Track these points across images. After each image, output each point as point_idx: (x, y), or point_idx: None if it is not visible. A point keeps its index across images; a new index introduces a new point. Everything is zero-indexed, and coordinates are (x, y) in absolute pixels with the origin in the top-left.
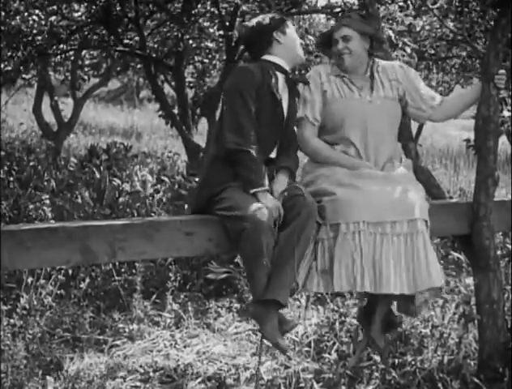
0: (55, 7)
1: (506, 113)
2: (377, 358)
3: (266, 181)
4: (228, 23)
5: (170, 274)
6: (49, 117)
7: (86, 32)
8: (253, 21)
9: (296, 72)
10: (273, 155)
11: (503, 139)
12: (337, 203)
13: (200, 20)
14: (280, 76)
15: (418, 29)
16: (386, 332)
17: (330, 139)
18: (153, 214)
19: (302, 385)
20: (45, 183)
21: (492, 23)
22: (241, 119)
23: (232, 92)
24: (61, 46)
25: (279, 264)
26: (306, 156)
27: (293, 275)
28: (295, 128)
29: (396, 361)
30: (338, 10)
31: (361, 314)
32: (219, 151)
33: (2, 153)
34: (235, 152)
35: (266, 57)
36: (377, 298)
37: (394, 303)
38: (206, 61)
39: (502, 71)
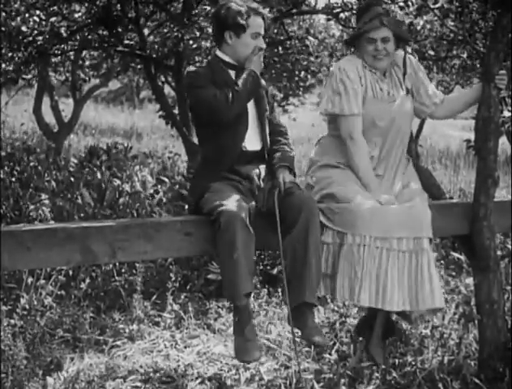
0: (55, 8)
1: (507, 114)
2: None
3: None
4: None
5: (170, 274)
6: (49, 117)
7: (86, 33)
8: (216, 10)
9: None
10: (256, 146)
11: (503, 140)
12: (347, 212)
13: (200, 20)
14: (231, 72)
15: (418, 29)
16: (385, 339)
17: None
18: (153, 214)
19: (302, 385)
20: (46, 183)
21: (492, 23)
22: (212, 98)
23: (188, 89)
24: (62, 47)
25: (296, 268)
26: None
27: (318, 271)
28: (279, 119)
29: (396, 361)
30: (338, 10)
31: (361, 326)
32: (202, 155)
33: (3, 153)
34: (227, 117)
35: (217, 52)
36: (376, 311)
37: None
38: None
39: (503, 72)
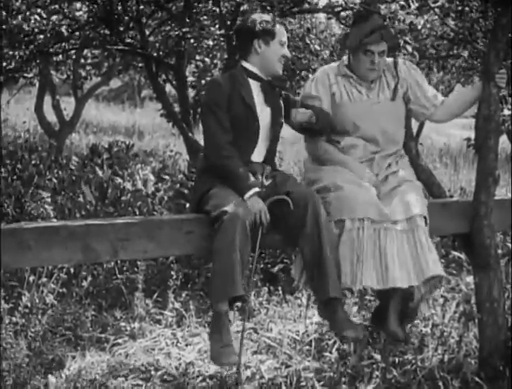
0: (57, 6)
1: (507, 112)
2: (378, 357)
3: (254, 180)
4: (229, 22)
5: (172, 272)
6: (51, 116)
7: (87, 31)
8: (241, 21)
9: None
10: (259, 158)
11: (503, 138)
12: (342, 199)
13: (201, 19)
14: (254, 83)
15: (419, 28)
16: (403, 324)
17: (339, 140)
18: (155, 212)
19: (303, 384)
20: (47, 182)
21: (492, 22)
22: (215, 136)
23: (204, 109)
24: (63, 45)
25: (315, 265)
26: (313, 156)
27: (337, 264)
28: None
29: (397, 359)
30: (339, 9)
31: (375, 316)
32: (206, 161)
33: (4, 152)
34: (216, 167)
35: (243, 63)
36: (387, 296)
37: None
38: (207, 60)
39: (503, 71)
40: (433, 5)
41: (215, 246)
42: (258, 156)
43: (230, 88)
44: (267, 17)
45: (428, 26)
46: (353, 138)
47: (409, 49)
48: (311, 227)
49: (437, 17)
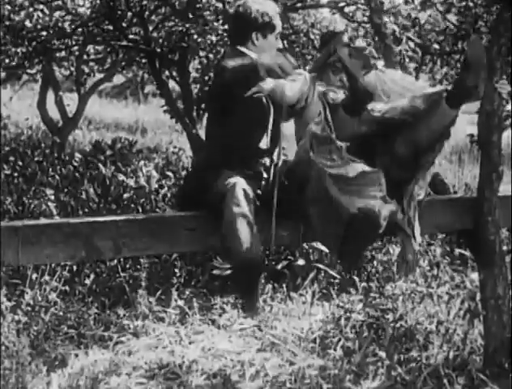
0: (59, 2)
1: (509, 107)
2: (383, 354)
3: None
4: None
5: (175, 270)
6: (53, 112)
7: (90, 27)
8: (241, 7)
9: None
10: (265, 145)
11: (509, 133)
12: None
13: (205, 15)
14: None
15: (423, 21)
16: None
17: None
18: (158, 209)
19: (307, 381)
20: (50, 179)
21: (496, 17)
22: (208, 139)
23: (206, 101)
24: (66, 41)
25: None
26: None
27: None
28: None
29: (401, 357)
30: (343, 4)
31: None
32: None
33: (7, 148)
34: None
35: (243, 48)
36: None
37: None
38: (210, 55)
39: (504, 81)
40: (435, 0)
41: (224, 219)
42: (264, 143)
43: (234, 74)
44: (268, 7)
45: (431, 21)
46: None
47: (412, 44)
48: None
49: (438, 12)
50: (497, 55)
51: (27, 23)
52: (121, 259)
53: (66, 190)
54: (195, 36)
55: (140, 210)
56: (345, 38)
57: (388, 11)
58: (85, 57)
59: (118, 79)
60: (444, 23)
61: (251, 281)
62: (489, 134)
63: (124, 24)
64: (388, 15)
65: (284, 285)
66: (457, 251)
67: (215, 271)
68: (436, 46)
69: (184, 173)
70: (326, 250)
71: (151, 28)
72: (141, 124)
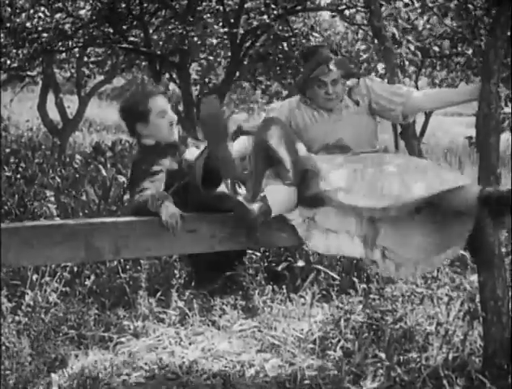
0: (60, 5)
1: (507, 110)
2: (382, 355)
3: None
4: (232, 20)
5: (175, 271)
6: (54, 114)
7: (91, 30)
8: (120, 109)
9: None
10: None
11: (508, 136)
12: None
13: (205, 17)
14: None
15: (421, 27)
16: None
17: None
18: None
19: (307, 382)
20: (50, 180)
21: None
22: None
23: None
24: (66, 43)
25: None
26: None
27: None
28: None
29: (401, 358)
30: (342, 7)
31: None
32: None
33: (8, 150)
34: None
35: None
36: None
37: None
38: (211, 58)
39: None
40: (431, 4)
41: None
42: None
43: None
44: (137, 95)
45: (429, 26)
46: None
47: (412, 47)
48: None
49: (435, 16)
50: (494, 58)
51: (28, 25)
52: (121, 260)
53: (66, 191)
54: (195, 39)
55: None
56: (326, 52)
57: (388, 14)
58: (85, 59)
59: (118, 81)
60: (441, 27)
61: None
62: (487, 136)
63: (124, 27)
64: (388, 18)
65: (284, 287)
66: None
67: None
68: (436, 49)
69: None
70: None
71: (151, 31)
72: None
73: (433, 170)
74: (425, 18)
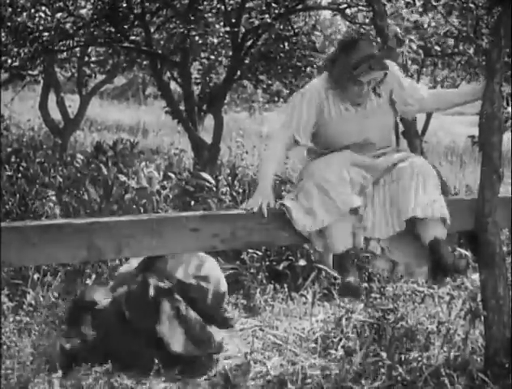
0: (61, 4)
1: (510, 109)
2: (384, 354)
3: None
4: (234, 20)
5: None
6: (55, 113)
7: (92, 29)
8: None
9: None
10: None
11: (508, 135)
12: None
13: (206, 16)
14: None
15: (425, 26)
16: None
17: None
18: (160, 210)
19: (309, 381)
20: (52, 180)
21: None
22: None
23: None
24: (68, 43)
25: None
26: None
27: None
28: None
29: (402, 357)
30: (344, 6)
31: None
32: None
33: (9, 149)
34: None
35: None
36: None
37: None
38: (212, 57)
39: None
40: (435, 3)
41: None
42: None
43: None
44: None
45: (433, 24)
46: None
47: (414, 46)
48: None
49: (440, 15)
50: (497, 57)
51: (30, 25)
52: (123, 260)
53: (67, 190)
54: (196, 38)
55: (142, 211)
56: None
57: (391, 13)
58: (86, 58)
59: (120, 80)
60: (445, 25)
61: None
62: (490, 135)
63: (125, 26)
64: (390, 17)
65: (285, 286)
66: (458, 252)
67: None
68: (437, 48)
69: (186, 174)
70: None
71: (152, 30)
72: (142, 125)
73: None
74: (430, 16)
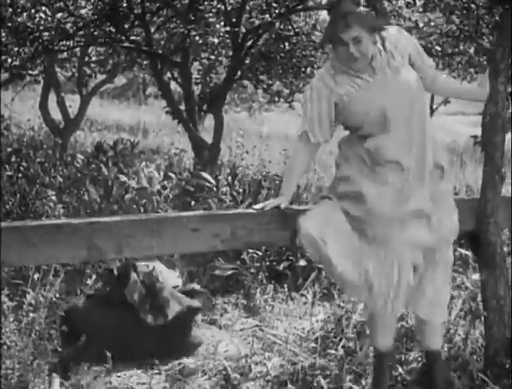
0: (62, 4)
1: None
2: None
3: None
4: (234, 19)
5: (176, 270)
6: (55, 113)
7: (92, 29)
8: None
9: None
10: None
11: (509, 136)
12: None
13: (206, 16)
14: None
15: (424, 25)
16: None
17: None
18: (160, 210)
19: (309, 380)
20: (52, 179)
21: (498, 18)
22: None
23: None
24: (68, 43)
25: None
26: None
27: None
28: None
29: (402, 357)
30: None
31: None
32: None
33: (9, 149)
34: None
35: None
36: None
37: None
38: (212, 57)
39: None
40: (438, 2)
41: None
42: None
43: None
44: None
45: (433, 24)
46: (378, 139)
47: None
48: None
49: (441, 15)
50: (501, 57)
51: (30, 24)
52: (123, 260)
53: (68, 190)
54: (197, 38)
55: (142, 211)
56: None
57: (391, 12)
58: (87, 58)
59: (120, 80)
60: (447, 25)
61: None
62: (493, 135)
63: (126, 26)
64: (391, 17)
65: (285, 285)
66: (459, 251)
67: (216, 272)
68: (437, 48)
69: (186, 174)
70: None
71: (152, 30)
72: (142, 125)
73: None
74: (430, 16)
